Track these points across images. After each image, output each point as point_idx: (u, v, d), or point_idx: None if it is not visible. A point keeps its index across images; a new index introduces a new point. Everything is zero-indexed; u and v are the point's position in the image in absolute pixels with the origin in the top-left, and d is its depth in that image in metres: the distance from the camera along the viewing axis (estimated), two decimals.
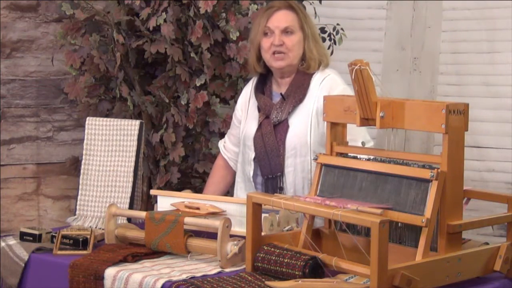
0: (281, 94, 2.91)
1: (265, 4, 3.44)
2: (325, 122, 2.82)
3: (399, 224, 2.16)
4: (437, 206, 2.05)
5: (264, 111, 2.93)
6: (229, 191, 3.68)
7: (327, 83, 2.88)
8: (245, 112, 3.04)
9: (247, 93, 3.07)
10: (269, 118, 2.91)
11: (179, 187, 3.47)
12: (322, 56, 2.94)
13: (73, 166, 3.75)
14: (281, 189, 2.87)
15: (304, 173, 2.85)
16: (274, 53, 2.88)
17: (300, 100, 2.89)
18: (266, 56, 2.92)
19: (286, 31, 2.89)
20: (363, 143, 2.73)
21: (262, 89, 2.99)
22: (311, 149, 2.83)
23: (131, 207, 2.75)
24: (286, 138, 2.87)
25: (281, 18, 2.90)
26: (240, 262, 2.27)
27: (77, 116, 3.81)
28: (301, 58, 2.92)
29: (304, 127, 2.86)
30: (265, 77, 3.01)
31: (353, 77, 2.12)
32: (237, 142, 3.07)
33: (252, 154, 2.93)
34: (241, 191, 2.99)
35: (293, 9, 2.92)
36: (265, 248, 2.17)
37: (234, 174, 3.11)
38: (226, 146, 3.16)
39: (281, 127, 2.89)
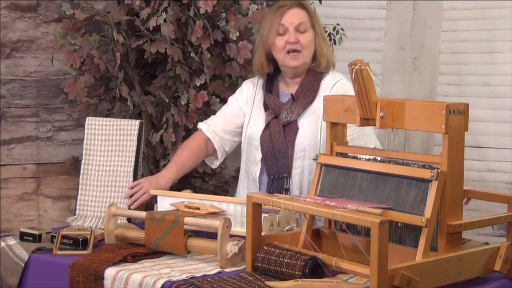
0: (291, 94, 2.91)
1: (265, 4, 3.44)
2: None
3: (399, 224, 2.16)
4: (437, 206, 2.05)
5: (273, 111, 2.92)
6: (229, 191, 3.68)
7: (341, 89, 2.85)
8: (250, 109, 3.03)
9: (253, 91, 3.03)
10: (278, 118, 2.90)
11: (179, 187, 3.47)
12: (330, 54, 2.95)
13: (73, 166, 3.74)
14: (286, 190, 2.86)
15: (311, 176, 2.84)
16: (288, 52, 2.88)
17: (310, 102, 2.89)
18: (281, 55, 2.91)
19: (299, 29, 2.89)
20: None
21: (269, 88, 2.99)
22: (320, 151, 2.82)
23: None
24: (295, 140, 2.86)
25: (295, 15, 2.91)
26: (240, 262, 2.27)
27: (77, 116, 3.80)
28: (313, 57, 2.93)
29: (314, 129, 2.86)
30: (272, 77, 3.01)
31: (353, 77, 2.13)
32: (230, 123, 3.02)
33: (259, 155, 2.92)
34: (243, 190, 2.99)
35: (304, 7, 2.94)
36: (265, 248, 2.17)
37: (213, 151, 3.04)
38: (213, 128, 3.03)
39: (290, 128, 2.88)
